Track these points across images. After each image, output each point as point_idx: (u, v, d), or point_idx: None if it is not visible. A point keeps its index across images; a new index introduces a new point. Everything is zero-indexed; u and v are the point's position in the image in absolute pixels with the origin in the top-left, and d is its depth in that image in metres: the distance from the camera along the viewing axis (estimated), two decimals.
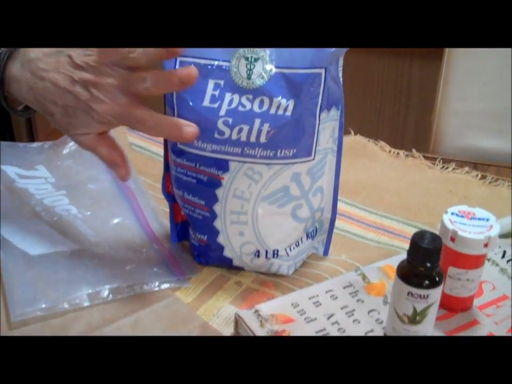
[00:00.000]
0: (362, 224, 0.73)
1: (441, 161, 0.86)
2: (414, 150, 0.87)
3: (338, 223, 0.68)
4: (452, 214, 0.56)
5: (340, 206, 0.69)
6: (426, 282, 0.50)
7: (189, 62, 0.58)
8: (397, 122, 1.58)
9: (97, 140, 0.60)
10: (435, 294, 0.50)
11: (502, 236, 0.62)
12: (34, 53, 0.60)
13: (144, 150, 0.85)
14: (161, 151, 0.84)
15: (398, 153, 0.87)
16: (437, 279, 0.50)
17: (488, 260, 0.63)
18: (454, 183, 0.81)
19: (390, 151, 0.88)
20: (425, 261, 0.48)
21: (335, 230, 0.67)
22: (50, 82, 0.59)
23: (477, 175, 0.83)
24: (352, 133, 0.90)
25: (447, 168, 0.84)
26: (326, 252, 0.67)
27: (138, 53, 0.55)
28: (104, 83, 0.57)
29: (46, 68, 0.59)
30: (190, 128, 0.56)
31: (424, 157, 0.87)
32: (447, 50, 0.92)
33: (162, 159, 0.83)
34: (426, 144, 0.97)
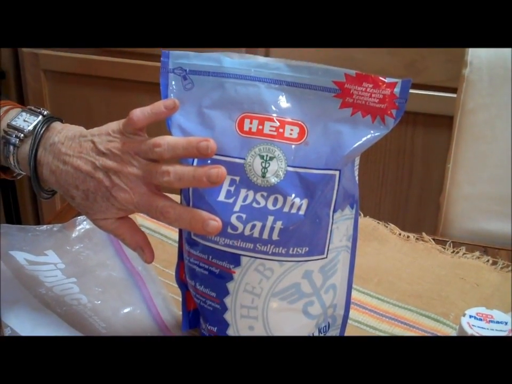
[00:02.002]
0: (375, 315, 0.72)
1: (451, 245, 0.85)
2: (424, 234, 0.87)
3: (351, 313, 0.67)
4: (470, 317, 0.55)
5: (352, 294, 0.68)
6: None
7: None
8: (399, 195, 1.60)
9: (118, 224, 0.61)
10: None
11: None
12: (58, 136, 0.62)
13: (154, 232, 0.85)
14: (171, 233, 0.85)
15: (408, 237, 0.87)
16: None
17: None
18: (466, 269, 0.80)
19: (400, 234, 0.87)
20: None
21: (348, 321, 0.67)
22: (72, 167, 0.59)
23: (487, 261, 0.82)
24: (362, 215, 0.90)
25: (458, 252, 0.84)
26: None
27: (164, 149, 0.56)
28: (125, 171, 0.57)
29: (69, 152, 0.60)
30: (213, 222, 0.55)
31: (434, 239, 0.87)
32: (455, 131, 0.93)
33: (172, 242, 0.84)
34: (430, 218, 0.97)
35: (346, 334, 0.67)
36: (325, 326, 0.64)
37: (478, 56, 0.86)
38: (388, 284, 0.78)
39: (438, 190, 1.00)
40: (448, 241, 0.86)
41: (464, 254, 0.84)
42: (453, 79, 1.09)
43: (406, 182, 1.56)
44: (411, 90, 1.58)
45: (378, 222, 0.89)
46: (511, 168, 0.88)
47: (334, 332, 0.66)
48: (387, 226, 0.89)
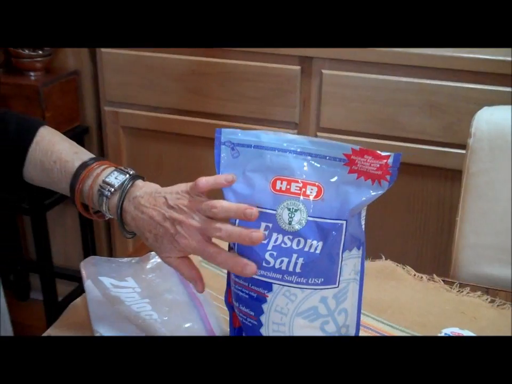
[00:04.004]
0: None
1: (458, 285, 1.01)
2: (435, 275, 1.03)
3: (367, 335, 0.83)
4: (445, 334, 0.71)
5: (369, 321, 0.84)
6: None
7: None
8: (439, 244, 1.70)
9: (179, 262, 0.77)
10: None
11: None
12: (139, 192, 0.79)
13: (210, 266, 1.04)
14: None
15: (421, 277, 1.03)
16: None
17: None
18: (467, 306, 0.95)
19: (414, 275, 1.03)
20: None
21: None
22: (147, 216, 0.76)
23: (487, 299, 0.97)
24: (383, 258, 1.07)
25: (462, 292, 0.99)
26: None
27: (219, 210, 0.72)
28: (187, 223, 0.74)
29: (146, 204, 0.77)
30: (249, 266, 0.72)
31: (443, 281, 1.02)
32: (462, 190, 1.09)
33: (223, 274, 1.02)
34: (447, 269, 1.12)
35: None
36: None
37: (480, 128, 1.02)
38: (399, 315, 0.93)
39: None
40: (455, 282, 1.02)
41: (467, 293, 0.99)
42: None
43: (446, 233, 1.67)
44: (449, 149, 1.75)
45: (396, 265, 1.05)
46: (510, 223, 1.02)
47: None
48: (404, 268, 1.05)
